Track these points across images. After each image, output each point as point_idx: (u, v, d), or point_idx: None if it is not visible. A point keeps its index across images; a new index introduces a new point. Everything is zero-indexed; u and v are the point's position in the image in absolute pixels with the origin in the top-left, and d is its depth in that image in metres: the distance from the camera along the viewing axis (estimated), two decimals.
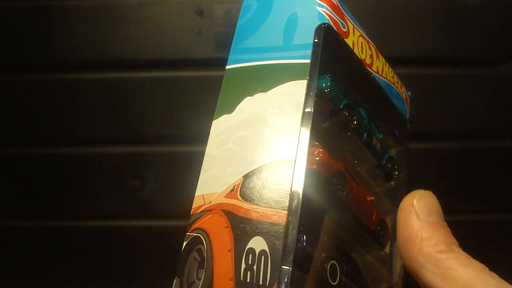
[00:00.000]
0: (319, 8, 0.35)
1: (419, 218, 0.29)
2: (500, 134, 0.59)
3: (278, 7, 0.37)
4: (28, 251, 0.60)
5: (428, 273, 0.27)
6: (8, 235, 0.60)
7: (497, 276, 0.26)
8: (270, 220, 0.25)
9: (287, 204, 0.26)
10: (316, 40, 0.33)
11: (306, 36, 0.34)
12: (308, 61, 0.32)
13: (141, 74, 0.61)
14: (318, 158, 0.31)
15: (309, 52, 0.32)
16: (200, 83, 0.58)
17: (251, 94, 0.33)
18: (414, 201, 0.29)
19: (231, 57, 0.38)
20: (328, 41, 0.34)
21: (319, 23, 0.34)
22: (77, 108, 0.60)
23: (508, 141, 0.58)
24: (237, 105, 0.33)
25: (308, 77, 0.31)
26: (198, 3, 0.59)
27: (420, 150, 0.56)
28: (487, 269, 0.27)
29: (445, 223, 0.30)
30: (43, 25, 0.60)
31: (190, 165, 0.54)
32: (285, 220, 0.25)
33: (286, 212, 0.25)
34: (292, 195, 0.25)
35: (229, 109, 0.34)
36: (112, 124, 0.60)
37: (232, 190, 0.28)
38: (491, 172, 0.57)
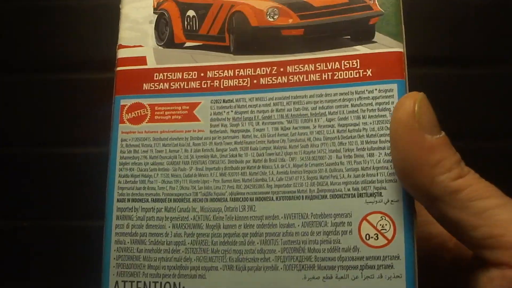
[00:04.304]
0: None
1: (425, 138, 0.24)
2: (500, 134, 0.57)
3: None
4: (28, 251, 0.61)
5: (446, 207, 0.24)
6: (8, 235, 0.61)
7: None
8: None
9: None
10: None
11: None
12: None
13: None
14: None
15: None
16: None
17: None
18: (416, 113, 0.24)
19: None
20: None
21: None
22: (77, 108, 0.60)
23: (508, 141, 0.56)
24: None
25: None
26: None
27: None
28: (500, 190, 0.25)
29: (443, 133, 0.25)
30: (44, 25, 0.61)
31: None
32: None
33: None
34: None
35: None
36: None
37: None
38: (491, 172, 0.54)
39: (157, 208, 0.28)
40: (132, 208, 0.28)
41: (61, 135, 0.61)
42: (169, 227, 0.28)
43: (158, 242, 0.28)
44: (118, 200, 0.29)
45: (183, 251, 0.27)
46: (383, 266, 0.25)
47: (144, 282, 0.27)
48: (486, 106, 0.57)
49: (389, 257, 0.25)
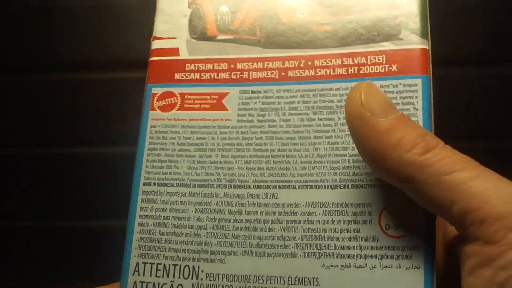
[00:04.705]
0: None
1: (379, 122, 0.24)
2: (501, 135, 0.57)
3: None
4: (28, 251, 0.61)
5: (422, 185, 0.23)
6: (8, 235, 0.61)
7: (491, 170, 0.24)
8: None
9: None
10: None
11: None
12: None
13: (141, 74, 0.55)
14: None
15: None
16: None
17: None
18: (364, 101, 0.24)
19: None
20: None
21: None
22: (77, 108, 0.61)
23: (508, 141, 0.56)
24: None
25: None
26: None
27: None
28: (476, 162, 0.24)
29: (400, 112, 0.25)
30: (43, 25, 0.62)
31: None
32: None
33: None
34: None
35: None
36: (112, 124, 0.60)
37: None
38: None
39: (181, 192, 0.29)
40: (157, 192, 0.29)
41: (61, 135, 0.61)
42: (192, 211, 0.28)
43: (180, 226, 0.28)
44: (144, 184, 0.29)
45: (204, 235, 0.28)
46: (402, 256, 0.26)
47: (164, 265, 0.28)
48: (486, 106, 0.57)
49: (408, 247, 0.26)
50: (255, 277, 0.27)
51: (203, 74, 0.31)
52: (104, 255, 0.59)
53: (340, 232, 0.26)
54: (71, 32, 0.61)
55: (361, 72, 0.28)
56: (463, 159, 0.23)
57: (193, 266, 0.28)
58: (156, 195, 0.29)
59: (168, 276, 0.28)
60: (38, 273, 0.60)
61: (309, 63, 0.29)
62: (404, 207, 0.26)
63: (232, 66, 0.30)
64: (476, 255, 0.23)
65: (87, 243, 0.59)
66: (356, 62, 0.29)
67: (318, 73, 0.29)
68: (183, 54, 0.31)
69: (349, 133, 0.28)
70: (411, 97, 0.27)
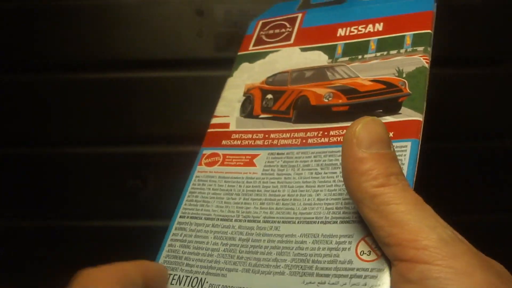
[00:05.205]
0: None
1: (359, 151, 0.28)
2: (500, 134, 0.57)
3: None
4: (28, 251, 0.61)
5: (365, 209, 0.28)
6: (8, 235, 0.62)
7: (430, 209, 0.27)
8: None
9: None
10: None
11: None
12: None
13: (141, 74, 0.62)
14: None
15: None
16: (200, 83, 0.59)
17: None
18: (356, 131, 0.29)
19: None
20: None
21: None
22: (77, 108, 0.62)
23: (508, 141, 0.56)
24: None
25: None
26: (198, 3, 0.60)
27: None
28: (421, 201, 0.28)
29: (390, 151, 0.29)
30: (44, 25, 0.62)
31: (190, 165, 0.54)
32: None
33: None
34: None
35: None
36: (112, 124, 0.62)
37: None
38: (490, 172, 0.55)
39: (206, 224, 0.35)
40: (188, 222, 0.36)
41: (61, 135, 0.62)
42: (211, 238, 0.34)
43: (199, 248, 0.34)
44: (179, 217, 0.36)
45: (215, 256, 0.33)
46: (369, 276, 0.29)
47: (179, 276, 0.33)
48: (486, 106, 0.55)
49: (376, 269, 0.29)
50: None
51: (243, 141, 0.38)
52: (104, 255, 0.53)
53: (323, 257, 0.30)
54: (71, 32, 0.62)
55: None
56: (406, 196, 0.27)
57: (201, 278, 0.33)
58: (187, 225, 0.35)
59: (179, 284, 0.33)
60: (38, 273, 0.59)
61: (326, 133, 0.36)
62: None
63: (266, 136, 0.38)
64: (395, 274, 0.27)
65: (87, 243, 0.59)
66: None
67: (331, 140, 0.35)
68: (232, 127, 0.40)
69: None
70: (401, 155, 0.32)
